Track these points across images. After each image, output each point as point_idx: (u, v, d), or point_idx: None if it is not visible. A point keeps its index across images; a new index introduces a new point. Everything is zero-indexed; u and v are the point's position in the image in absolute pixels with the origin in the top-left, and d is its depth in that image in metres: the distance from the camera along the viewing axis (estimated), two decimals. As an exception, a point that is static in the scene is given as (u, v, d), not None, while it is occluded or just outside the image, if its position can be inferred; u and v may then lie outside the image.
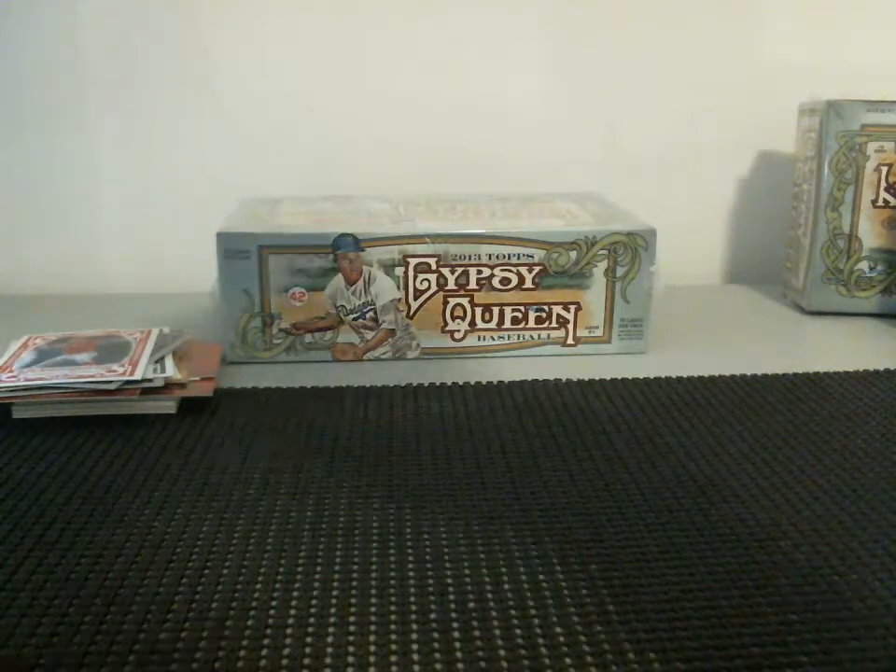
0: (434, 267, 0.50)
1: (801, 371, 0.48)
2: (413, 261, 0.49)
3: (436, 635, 0.26)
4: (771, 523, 0.33)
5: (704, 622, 0.27)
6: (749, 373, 0.48)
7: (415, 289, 0.50)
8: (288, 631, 0.26)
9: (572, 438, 0.40)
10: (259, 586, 0.28)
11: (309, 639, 0.26)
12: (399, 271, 0.49)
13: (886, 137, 0.57)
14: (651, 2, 0.67)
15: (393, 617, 0.27)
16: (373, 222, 0.51)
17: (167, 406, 0.42)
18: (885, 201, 0.59)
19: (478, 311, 0.51)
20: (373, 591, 0.28)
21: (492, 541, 0.31)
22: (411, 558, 0.30)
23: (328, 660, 0.25)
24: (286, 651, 0.25)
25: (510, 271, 0.50)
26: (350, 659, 0.25)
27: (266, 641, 0.26)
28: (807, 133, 0.61)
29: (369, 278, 0.49)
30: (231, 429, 0.40)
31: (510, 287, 0.50)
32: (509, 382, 0.47)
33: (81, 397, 0.41)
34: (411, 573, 0.29)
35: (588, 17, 0.67)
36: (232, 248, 0.48)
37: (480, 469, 0.37)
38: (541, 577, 0.29)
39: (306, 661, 0.25)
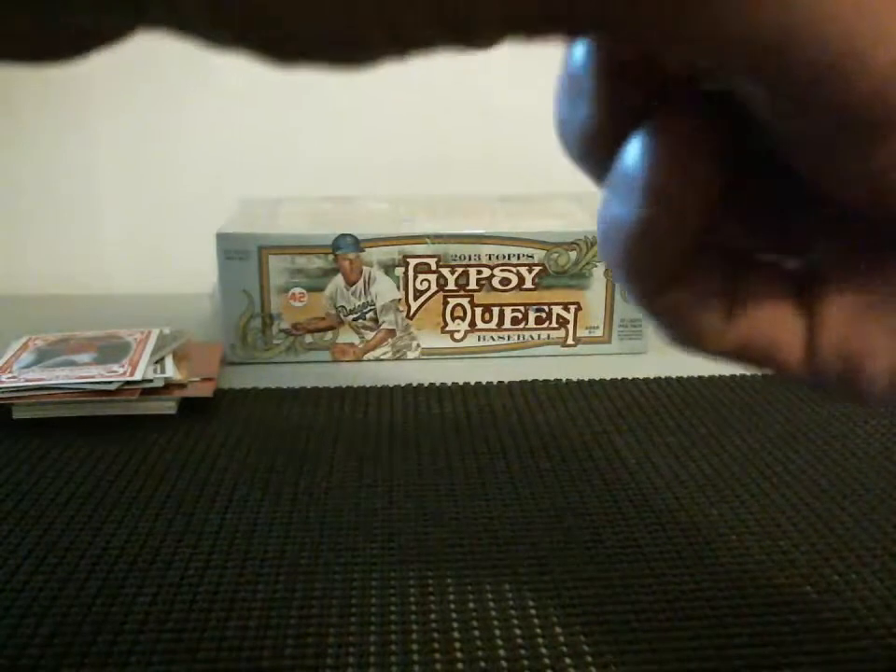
0: (434, 267, 0.50)
1: (801, 371, 0.48)
2: (412, 262, 0.49)
3: (436, 635, 0.26)
4: (771, 523, 0.33)
5: (703, 622, 0.27)
6: (749, 373, 0.48)
7: (415, 290, 0.50)
8: (290, 631, 0.26)
9: (572, 438, 0.40)
10: (260, 587, 0.28)
11: (310, 639, 0.26)
12: (399, 271, 0.49)
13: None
14: None
15: (393, 617, 0.27)
16: (373, 222, 0.51)
17: (167, 406, 0.42)
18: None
19: (478, 311, 0.51)
20: (374, 591, 0.28)
21: (491, 541, 0.31)
22: (411, 558, 0.30)
23: (328, 660, 0.25)
24: (287, 652, 0.25)
25: (510, 271, 0.50)
26: (350, 659, 0.25)
27: (268, 641, 0.26)
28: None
29: (369, 279, 0.49)
30: (231, 429, 0.40)
31: (510, 287, 0.50)
32: (509, 382, 0.47)
33: (81, 397, 0.41)
34: (411, 573, 0.29)
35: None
36: (232, 249, 0.48)
37: (480, 469, 0.37)
38: (541, 577, 0.29)
39: (308, 661, 0.25)
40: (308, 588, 0.28)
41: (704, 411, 0.43)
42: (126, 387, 0.41)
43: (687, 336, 0.18)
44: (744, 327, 0.17)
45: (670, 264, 0.16)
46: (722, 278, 0.17)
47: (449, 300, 0.50)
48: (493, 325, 0.51)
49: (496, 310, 0.51)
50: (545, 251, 0.50)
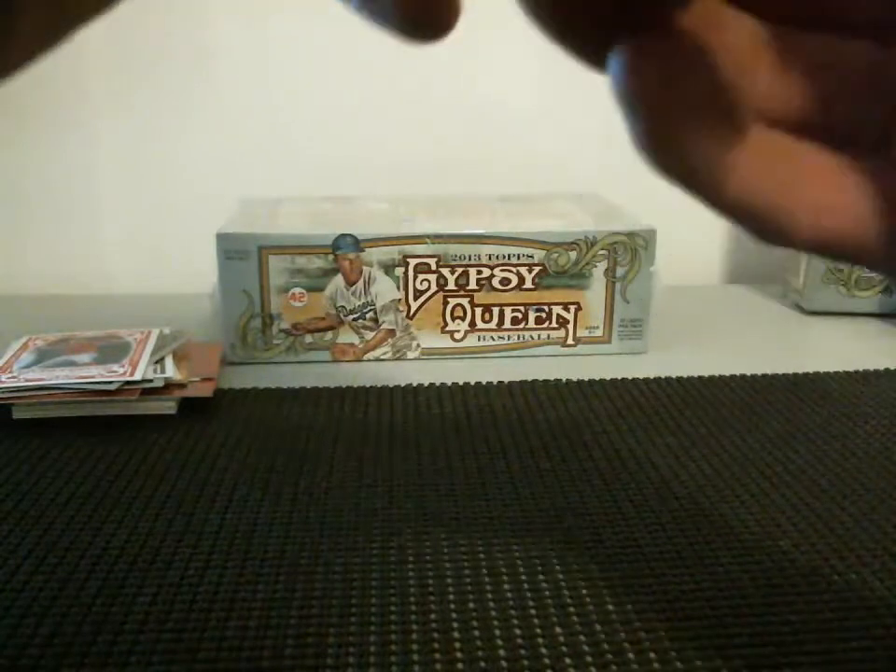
0: (434, 267, 0.50)
1: (801, 372, 0.48)
2: (412, 262, 0.49)
3: (436, 635, 0.26)
4: (771, 523, 0.33)
5: (703, 622, 0.27)
6: (748, 373, 0.48)
7: (415, 290, 0.50)
8: (290, 631, 0.26)
9: (572, 438, 0.40)
10: (260, 587, 0.28)
11: (310, 639, 0.26)
12: (399, 271, 0.49)
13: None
14: None
15: (393, 617, 0.27)
16: (373, 222, 0.51)
17: (167, 406, 0.42)
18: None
19: (478, 311, 0.51)
20: (374, 591, 0.28)
21: (492, 541, 0.31)
22: (411, 558, 0.30)
23: (328, 660, 0.25)
24: (287, 652, 0.25)
25: (510, 271, 0.50)
26: (350, 659, 0.25)
27: (268, 641, 0.26)
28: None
29: (369, 279, 0.49)
30: (231, 429, 0.40)
31: (510, 287, 0.50)
32: (509, 382, 0.47)
33: (81, 397, 0.41)
34: (411, 573, 0.29)
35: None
36: (232, 249, 0.48)
37: (480, 470, 0.37)
38: (541, 577, 0.29)
39: (308, 661, 0.25)
40: (308, 588, 0.28)
41: (704, 411, 0.43)
42: (126, 387, 0.41)
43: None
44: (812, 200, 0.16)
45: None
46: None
47: (449, 300, 0.50)
48: (493, 325, 0.51)
49: (496, 310, 0.51)
50: (545, 251, 0.50)
